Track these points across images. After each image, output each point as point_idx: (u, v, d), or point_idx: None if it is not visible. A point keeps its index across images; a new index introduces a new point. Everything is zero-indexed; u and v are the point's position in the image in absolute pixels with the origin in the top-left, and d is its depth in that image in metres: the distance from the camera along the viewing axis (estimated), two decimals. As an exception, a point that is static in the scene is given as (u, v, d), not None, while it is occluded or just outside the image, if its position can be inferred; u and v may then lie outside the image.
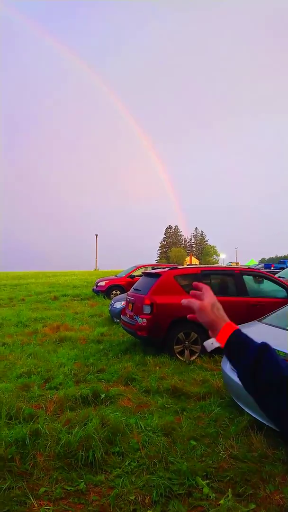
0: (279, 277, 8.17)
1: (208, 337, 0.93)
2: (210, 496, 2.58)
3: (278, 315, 4.37)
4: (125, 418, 3.75)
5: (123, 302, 8.88)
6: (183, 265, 12.71)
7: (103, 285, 15.59)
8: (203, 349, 6.16)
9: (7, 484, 2.69)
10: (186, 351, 6.16)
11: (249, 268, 9.57)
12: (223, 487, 2.70)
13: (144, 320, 6.21)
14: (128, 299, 7.29)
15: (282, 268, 18.96)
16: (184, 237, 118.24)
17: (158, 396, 4.44)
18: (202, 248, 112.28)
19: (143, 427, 3.59)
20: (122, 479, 2.79)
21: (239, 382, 3.25)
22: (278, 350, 3.17)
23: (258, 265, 27.99)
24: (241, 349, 0.86)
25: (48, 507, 2.49)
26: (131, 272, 15.38)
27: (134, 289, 7.29)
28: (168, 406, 4.18)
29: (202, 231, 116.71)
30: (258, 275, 7.30)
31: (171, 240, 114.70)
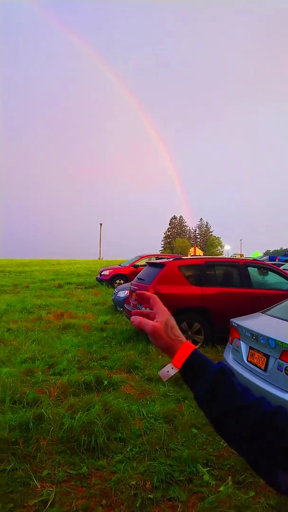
0: (284, 269, 8.12)
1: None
2: (210, 483, 2.62)
3: (282, 307, 4.36)
4: (127, 404, 3.79)
5: (126, 291, 8.91)
6: (187, 256, 12.68)
7: (107, 274, 15.64)
8: (206, 339, 6.19)
9: (11, 466, 2.74)
10: (189, 340, 6.19)
11: (254, 260, 9.52)
12: (223, 475, 2.73)
13: (148, 309, 6.22)
14: (132, 288, 7.30)
15: (287, 261, 18.88)
16: (188, 227, 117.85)
17: (160, 384, 4.48)
18: (206, 239, 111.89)
19: (145, 414, 3.63)
20: (123, 464, 2.83)
21: (241, 373, 3.22)
22: (282, 342, 3.17)
23: (262, 257, 27.85)
24: (199, 372, 0.78)
25: (51, 489, 2.54)
26: (135, 262, 15.39)
27: (138, 279, 7.30)
28: (170, 394, 4.21)
29: (207, 222, 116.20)
30: (263, 267, 7.26)
31: (175, 231, 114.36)
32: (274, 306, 4.49)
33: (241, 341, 3.98)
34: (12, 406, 3.67)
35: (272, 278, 7.12)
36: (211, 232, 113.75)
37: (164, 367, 0.80)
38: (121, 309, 9.19)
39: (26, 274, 22.56)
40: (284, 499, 2.44)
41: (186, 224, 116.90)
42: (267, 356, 3.41)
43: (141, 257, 15.66)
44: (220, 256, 17.53)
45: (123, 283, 13.14)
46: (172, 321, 0.85)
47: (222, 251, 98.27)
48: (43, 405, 3.68)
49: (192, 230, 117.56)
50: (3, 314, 9.13)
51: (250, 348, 3.78)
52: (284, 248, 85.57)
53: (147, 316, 0.87)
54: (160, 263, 6.95)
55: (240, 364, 3.88)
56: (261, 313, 4.40)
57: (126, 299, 8.21)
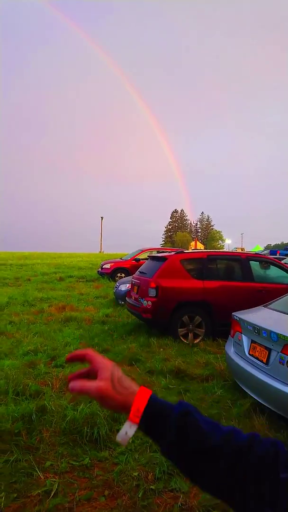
0: (285, 263, 8.10)
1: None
2: (211, 475, 2.64)
3: (284, 301, 4.35)
4: (129, 397, 3.81)
5: (128, 285, 8.91)
6: (188, 250, 12.69)
7: (108, 268, 15.64)
8: (207, 332, 6.21)
9: (14, 457, 2.77)
10: (190, 334, 6.21)
11: (256, 254, 9.50)
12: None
13: (149, 302, 6.24)
14: (133, 282, 7.31)
15: (288, 255, 18.81)
16: (190, 221, 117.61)
17: (161, 377, 4.50)
18: (207, 233, 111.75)
19: (147, 406, 3.65)
20: (125, 456, 2.85)
21: (243, 366, 3.22)
22: (284, 336, 3.17)
23: (263, 251, 27.75)
24: (160, 421, 0.67)
25: (54, 480, 2.57)
26: (136, 255, 15.38)
27: (140, 272, 7.30)
28: (172, 386, 4.24)
29: (208, 216, 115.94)
30: (264, 261, 7.25)
31: (176, 224, 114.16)
32: (276, 300, 4.49)
33: (243, 335, 3.99)
34: (15, 398, 3.69)
35: (274, 272, 7.11)
36: (212, 226, 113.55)
37: (121, 430, 0.67)
38: (123, 302, 9.21)
39: (28, 267, 22.60)
40: None
41: (187, 217, 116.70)
42: (269, 350, 3.41)
43: (143, 251, 15.64)
44: (222, 250, 17.51)
45: (124, 277, 13.16)
46: (118, 372, 0.71)
47: (223, 245, 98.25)
48: (45, 397, 3.70)
49: (193, 224, 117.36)
50: (5, 307, 9.16)
51: (252, 341, 3.79)
52: (285, 242, 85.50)
53: (86, 375, 0.74)
54: (162, 256, 6.94)
55: (241, 357, 3.89)
56: (263, 307, 4.40)
57: (127, 293, 8.22)
